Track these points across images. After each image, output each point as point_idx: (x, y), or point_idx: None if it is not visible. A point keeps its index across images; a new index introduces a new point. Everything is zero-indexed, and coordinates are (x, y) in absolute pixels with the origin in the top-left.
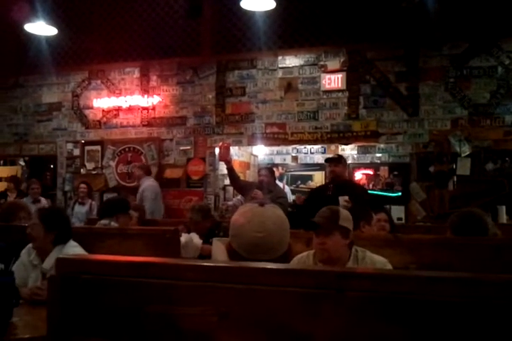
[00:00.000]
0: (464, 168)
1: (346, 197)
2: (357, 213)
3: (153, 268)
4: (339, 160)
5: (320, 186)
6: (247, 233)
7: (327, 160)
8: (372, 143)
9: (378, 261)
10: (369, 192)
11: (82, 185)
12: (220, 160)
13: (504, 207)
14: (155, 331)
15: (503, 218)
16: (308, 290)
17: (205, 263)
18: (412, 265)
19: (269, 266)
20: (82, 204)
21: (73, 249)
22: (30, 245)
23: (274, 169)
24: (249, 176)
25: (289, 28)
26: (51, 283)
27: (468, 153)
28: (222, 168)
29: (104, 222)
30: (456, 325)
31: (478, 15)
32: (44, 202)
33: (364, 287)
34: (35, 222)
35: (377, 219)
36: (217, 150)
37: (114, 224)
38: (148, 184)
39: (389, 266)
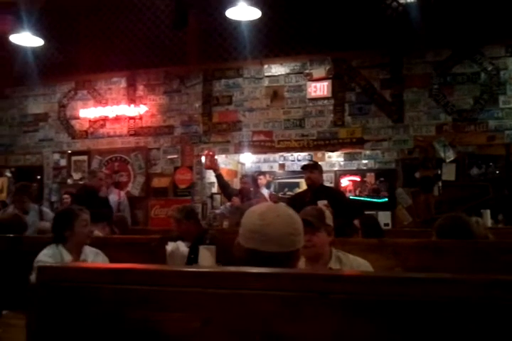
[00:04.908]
0: (448, 173)
1: (325, 202)
2: (341, 222)
3: (133, 275)
4: (315, 166)
5: (298, 193)
6: (250, 220)
7: (303, 167)
8: (358, 150)
9: (361, 263)
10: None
11: (66, 196)
12: (207, 168)
13: (489, 211)
14: (136, 337)
15: (488, 222)
16: (291, 293)
17: (187, 269)
18: (397, 268)
19: (251, 270)
20: None
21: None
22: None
23: (262, 177)
24: (237, 184)
25: (274, 37)
26: (31, 291)
27: (452, 158)
28: (210, 177)
29: None
30: (439, 325)
31: (461, 23)
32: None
33: (347, 289)
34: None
35: None
36: (203, 159)
37: (97, 233)
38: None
39: (371, 269)
